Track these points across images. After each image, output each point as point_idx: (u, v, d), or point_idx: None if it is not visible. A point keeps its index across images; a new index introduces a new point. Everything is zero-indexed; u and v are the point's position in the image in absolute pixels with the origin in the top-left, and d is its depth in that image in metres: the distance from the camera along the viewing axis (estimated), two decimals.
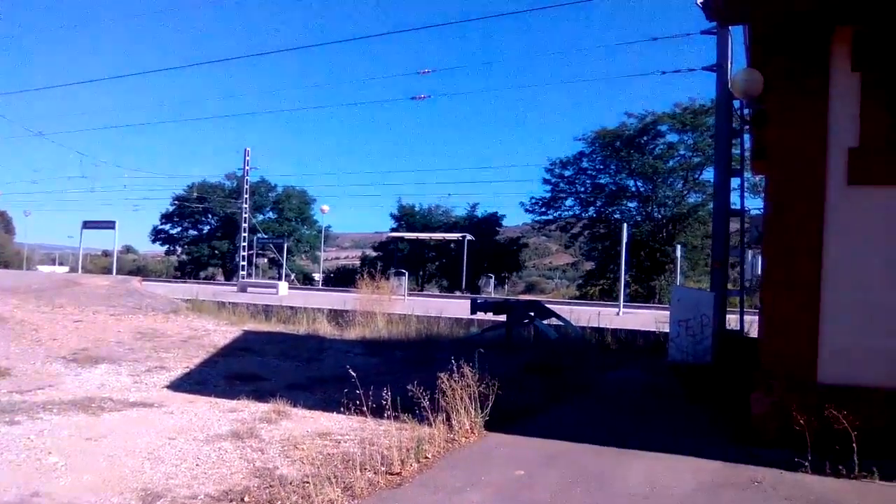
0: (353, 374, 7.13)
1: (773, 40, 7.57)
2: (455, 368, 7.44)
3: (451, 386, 7.42)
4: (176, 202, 66.34)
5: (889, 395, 6.85)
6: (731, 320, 13.46)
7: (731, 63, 13.15)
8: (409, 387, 7.15)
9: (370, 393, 6.89)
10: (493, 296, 42.44)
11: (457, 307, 23.90)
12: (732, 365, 10.90)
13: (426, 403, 7.01)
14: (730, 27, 12.40)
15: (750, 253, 16.44)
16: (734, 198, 13.11)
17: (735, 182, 13.21)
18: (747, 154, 15.23)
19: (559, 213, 52.46)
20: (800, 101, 7.29)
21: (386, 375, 10.34)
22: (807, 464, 6.21)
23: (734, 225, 14.22)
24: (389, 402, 6.78)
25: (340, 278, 59.27)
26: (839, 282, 7.10)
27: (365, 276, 26.42)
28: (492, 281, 49.42)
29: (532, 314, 17.29)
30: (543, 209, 52.52)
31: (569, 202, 51.74)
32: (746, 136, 14.30)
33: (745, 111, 12.94)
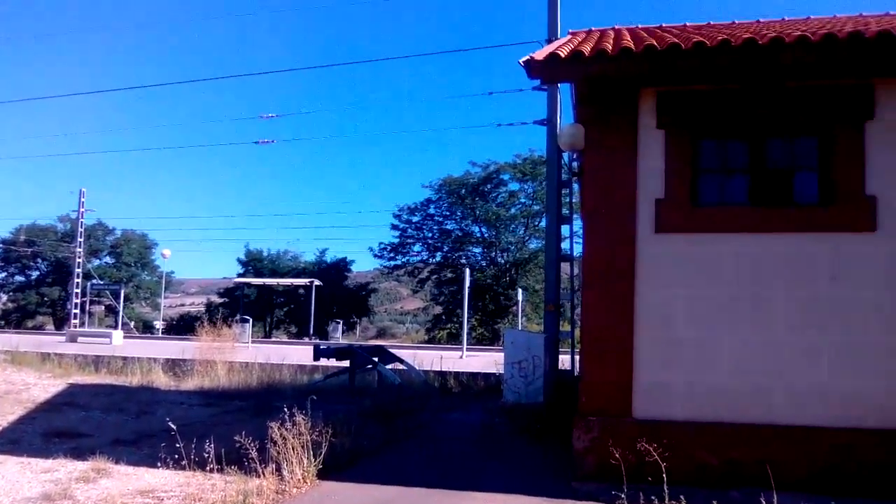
0: (184, 426, 6.84)
1: (590, 99, 8.15)
2: (288, 417, 7.31)
3: (282, 435, 7.28)
4: (0, 245, 61.33)
5: (693, 427, 7.39)
6: (566, 361, 14.07)
7: (560, 118, 13.99)
8: (240, 437, 6.94)
9: (203, 445, 6.63)
10: (340, 341, 41.99)
11: (303, 353, 23.49)
12: (563, 404, 11.37)
13: (254, 454, 6.83)
14: (558, 84, 13.20)
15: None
16: (566, 244, 13.86)
17: (566, 230, 13.97)
18: (578, 202, 16.13)
19: (407, 258, 53.10)
20: (613, 155, 7.86)
21: (221, 426, 9.98)
22: (623, 496, 6.55)
23: (569, 269, 14.96)
24: (221, 455, 6.55)
25: (184, 326, 56.64)
26: (650, 323, 7.63)
27: (205, 324, 25.44)
28: (340, 326, 48.92)
29: (375, 359, 17.30)
30: (392, 254, 52.98)
31: (417, 247, 52.53)
32: (577, 186, 15.17)
33: (574, 163, 13.77)
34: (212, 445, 6.52)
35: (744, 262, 7.55)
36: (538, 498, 6.90)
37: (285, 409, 7.40)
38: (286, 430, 7.30)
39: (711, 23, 10.97)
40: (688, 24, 10.96)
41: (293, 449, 7.31)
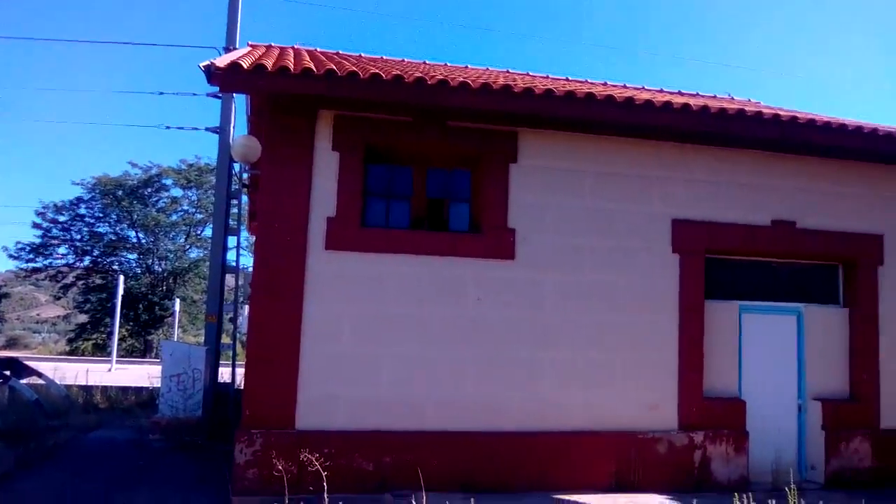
0: None
1: (269, 113, 8.21)
2: None
3: None
4: None
5: (353, 437, 7.76)
6: (228, 374, 13.80)
7: (234, 128, 13.79)
8: None
9: None
10: None
11: None
12: (225, 418, 11.17)
13: None
14: (234, 94, 13.01)
15: (246, 308, 17.12)
16: (232, 255, 13.65)
17: (233, 240, 13.76)
18: (246, 214, 15.98)
19: (50, 261, 47.56)
20: (288, 171, 7.99)
21: None
22: None
23: (234, 281, 14.72)
24: None
25: None
26: (316, 337, 7.85)
27: None
28: None
29: (7, 373, 15.30)
30: (32, 255, 47.07)
31: (62, 250, 47.28)
32: (245, 198, 15.03)
33: (245, 175, 13.64)
34: None
35: (404, 282, 8.15)
36: None
37: None
38: None
39: (385, 57, 11.71)
40: (363, 54, 11.56)
41: None
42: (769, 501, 7.27)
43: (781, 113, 9.55)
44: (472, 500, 7.03)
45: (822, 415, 9.33)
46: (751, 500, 7.04)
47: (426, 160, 8.67)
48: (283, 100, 8.03)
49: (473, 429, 8.09)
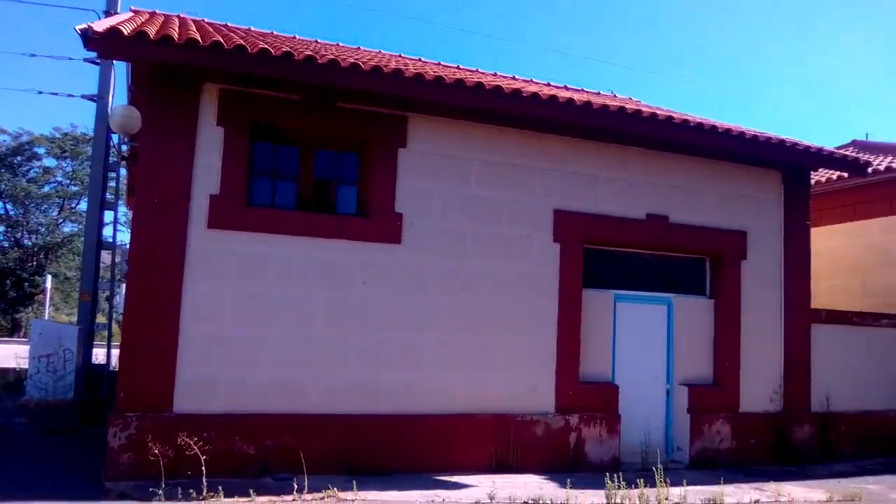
0: None
1: (150, 83, 7.91)
2: None
3: None
4: None
5: (234, 420, 7.64)
6: (102, 355, 13.25)
7: (113, 96, 13.17)
8: None
9: None
10: None
11: None
12: (97, 400, 10.75)
13: None
14: (114, 61, 12.40)
15: (123, 286, 16.46)
16: (108, 231, 13.06)
17: (110, 215, 13.19)
18: (125, 188, 15.31)
19: None
20: (170, 145, 7.71)
21: None
22: (160, 492, 6.50)
23: (110, 258, 14.09)
24: None
25: None
26: (196, 318, 7.65)
27: None
28: None
29: None
30: None
31: None
32: (124, 171, 14.40)
33: (124, 147, 13.06)
34: None
35: (288, 263, 8.06)
36: (66, 502, 6.44)
37: None
38: None
39: (275, 32, 11.46)
40: (252, 28, 11.28)
41: None
42: (637, 480, 7.71)
43: (658, 112, 10.03)
44: (353, 482, 7.11)
45: (688, 399, 9.92)
46: (620, 479, 7.44)
47: (315, 141, 8.58)
48: (166, 70, 7.74)
49: (356, 411, 8.13)
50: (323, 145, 8.67)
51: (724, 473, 8.91)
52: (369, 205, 8.51)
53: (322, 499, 6.84)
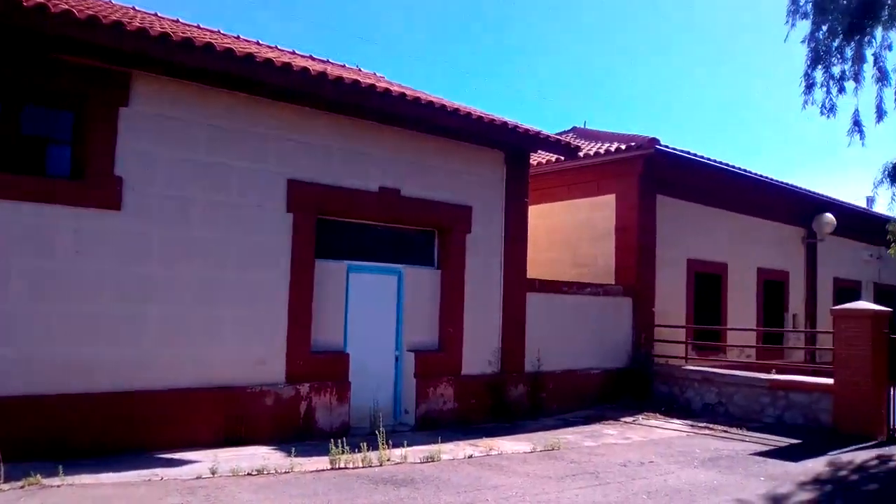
0: None
1: None
2: None
3: None
4: None
5: None
6: None
7: None
8: None
9: None
10: None
11: None
12: None
13: None
14: None
15: None
16: None
17: None
18: None
19: None
20: None
21: None
22: None
23: None
24: None
25: None
26: None
27: None
28: None
29: None
30: None
31: None
32: None
33: None
34: None
35: None
36: None
37: None
38: None
39: None
40: None
41: None
42: (361, 444, 8.00)
43: (392, 88, 10.31)
44: (59, 467, 6.59)
45: (414, 364, 10.42)
46: (345, 444, 7.66)
47: (21, 94, 7.70)
48: None
49: (67, 391, 7.50)
50: (32, 100, 7.80)
51: (445, 433, 9.52)
52: (86, 167, 7.82)
53: (22, 487, 6.25)
